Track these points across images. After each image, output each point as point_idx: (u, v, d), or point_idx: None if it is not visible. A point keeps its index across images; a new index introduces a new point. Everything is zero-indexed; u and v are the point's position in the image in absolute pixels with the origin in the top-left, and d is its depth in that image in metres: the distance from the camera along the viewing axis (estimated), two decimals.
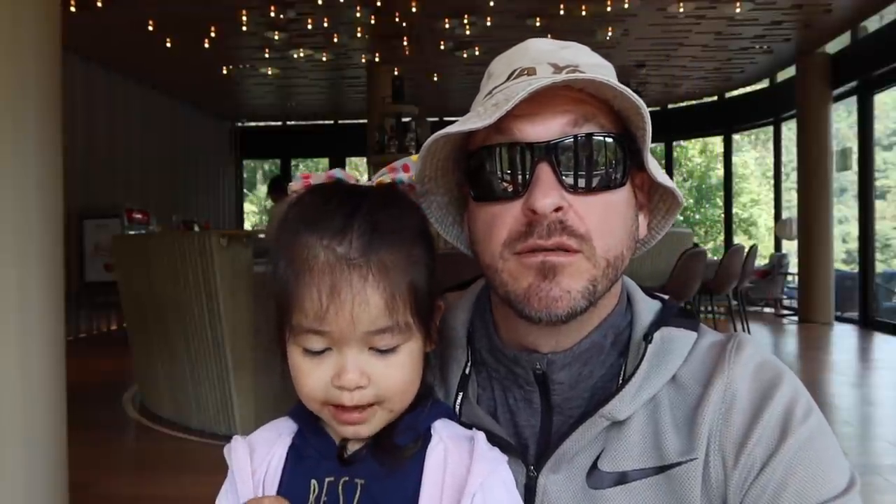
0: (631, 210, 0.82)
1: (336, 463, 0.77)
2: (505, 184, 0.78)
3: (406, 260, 0.74)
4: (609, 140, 0.78)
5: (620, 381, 0.82)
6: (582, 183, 0.77)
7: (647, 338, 0.83)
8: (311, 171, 0.84)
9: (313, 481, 0.76)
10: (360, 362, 0.73)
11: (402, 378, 0.75)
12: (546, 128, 0.76)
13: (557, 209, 0.75)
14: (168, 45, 9.40)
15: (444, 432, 0.78)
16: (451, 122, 0.81)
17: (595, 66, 0.83)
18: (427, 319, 0.77)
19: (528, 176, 0.76)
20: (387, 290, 0.72)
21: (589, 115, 0.77)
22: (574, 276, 0.77)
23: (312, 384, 0.75)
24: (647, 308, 0.88)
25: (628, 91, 0.74)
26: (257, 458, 0.79)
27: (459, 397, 0.86)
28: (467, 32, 9.15)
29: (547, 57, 0.82)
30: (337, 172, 0.79)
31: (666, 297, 0.91)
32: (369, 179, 0.81)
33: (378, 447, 0.76)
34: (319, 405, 0.76)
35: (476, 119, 0.76)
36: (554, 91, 0.75)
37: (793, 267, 11.55)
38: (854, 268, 11.22)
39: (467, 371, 0.87)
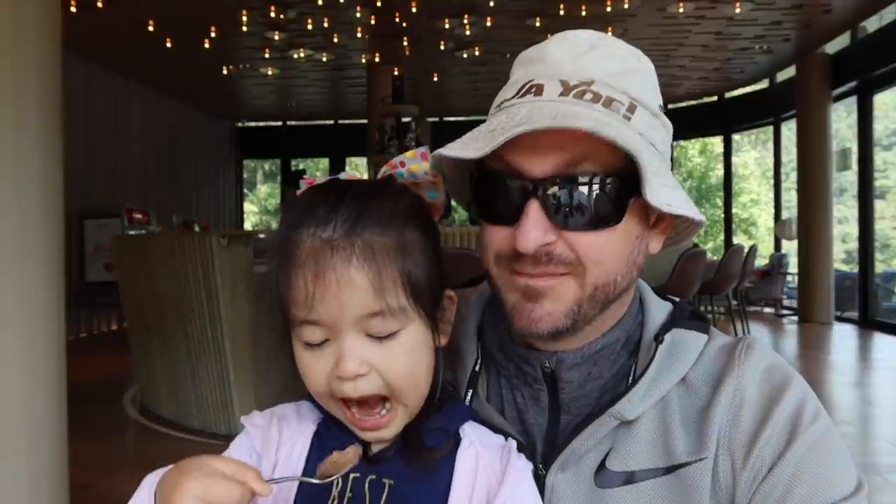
0: (629, 241, 0.80)
1: (361, 459, 0.76)
2: (499, 210, 0.79)
3: (395, 243, 0.72)
4: (604, 180, 0.76)
5: (630, 381, 0.83)
6: (572, 222, 0.76)
7: (658, 339, 0.84)
8: (314, 174, 0.82)
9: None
10: (358, 349, 0.71)
11: (405, 365, 0.73)
12: (539, 164, 0.75)
13: (541, 245, 0.76)
14: (168, 45, 9.40)
15: (474, 436, 0.78)
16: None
17: (617, 76, 0.79)
18: (431, 308, 0.75)
19: (520, 207, 0.76)
20: (372, 270, 0.70)
21: (584, 153, 0.75)
22: (558, 299, 0.78)
23: (315, 377, 0.74)
24: (658, 309, 0.88)
25: (621, 140, 0.71)
26: (283, 437, 0.79)
27: (469, 394, 0.86)
28: (467, 32, 9.15)
29: (561, 69, 0.79)
30: (342, 175, 0.79)
31: (678, 299, 0.92)
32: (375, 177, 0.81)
33: (407, 448, 0.75)
34: (330, 401, 0.75)
35: (473, 144, 0.76)
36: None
37: (793, 267, 11.55)
38: (854, 268, 11.23)
39: (477, 368, 0.88)
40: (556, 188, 0.75)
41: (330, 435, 0.78)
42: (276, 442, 0.78)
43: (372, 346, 0.72)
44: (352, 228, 0.71)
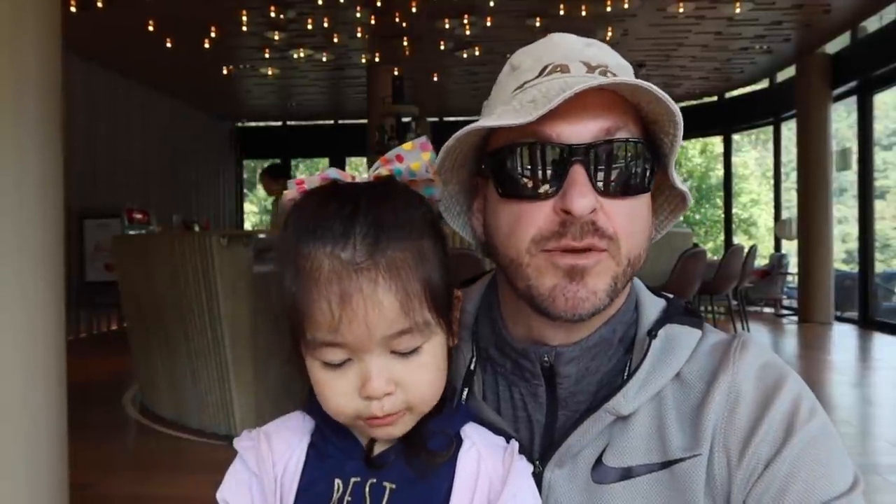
0: (650, 214, 0.83)
1: (361, 464, 0.75)
2: (536, 183, 0.78)
3: (416, 255, 0.70)
4: (639, 147, 0.79)
5: (625, 377, 0.83)
6: (613, 187, 0.77)
7: (652, 334, 0.84)
8: (305, 174, 0.78)
9: (337, 481, 0.74)
10: (384, 368, 0.70)
11: (428, 378, 0.73)
12: (580, 130, 0.77)
13: (591, 211, 0.76)
14: (168, 45, 9.40)
15: (475, 437, 0.77)
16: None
17: (620, 67, 0.83)
18: (446, 313, 0.74)
19: (561, 176, 0.76)
20: (400, 291, 0.68)
21: (621, 122, 0.78)
22: (600, 276, 0.78)
23: (338, 399, 0.72)
24: (652, 306, 0.88)
25: (667, 98, 0.74)
26: (276, 454, 0.78)
27: (465, 394, 0.86)
28: (467, 32, 9.14)
29: (577, 55, 0.82)
30: (331, 173, 0.75)
31: (671, 296, 0.92)
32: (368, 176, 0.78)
33: (409, 451, 0.74)
34: (351, 420, 0.73)
35: (514, 115, 0.76)
36: (587, 92, 0.74)
37: (793, 267, 11.54)
38: (854, 268, 11.23)
39: (472, 367, 0.88)
40: (599, 152, 0.77)
41: (327, 444, 0.77)
42: (269, 459, 0.77)
43: (397, 363, 0.71)
44: (374, 246, 0.68)
